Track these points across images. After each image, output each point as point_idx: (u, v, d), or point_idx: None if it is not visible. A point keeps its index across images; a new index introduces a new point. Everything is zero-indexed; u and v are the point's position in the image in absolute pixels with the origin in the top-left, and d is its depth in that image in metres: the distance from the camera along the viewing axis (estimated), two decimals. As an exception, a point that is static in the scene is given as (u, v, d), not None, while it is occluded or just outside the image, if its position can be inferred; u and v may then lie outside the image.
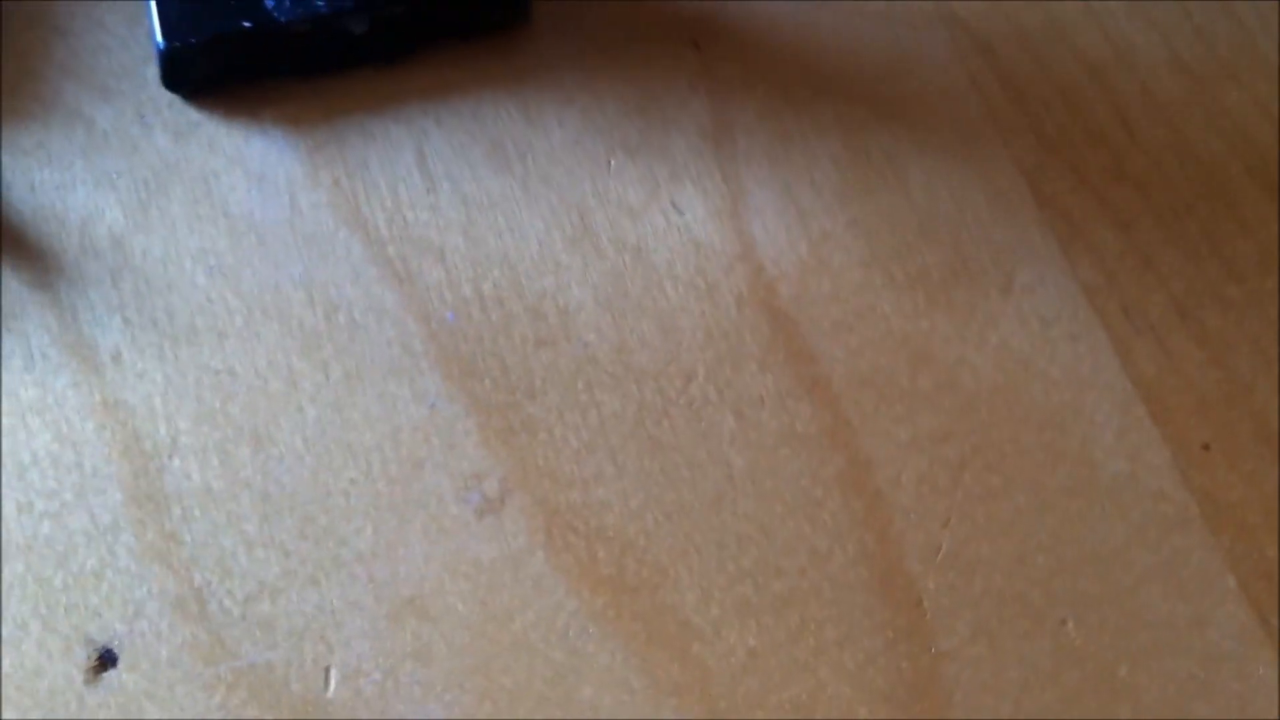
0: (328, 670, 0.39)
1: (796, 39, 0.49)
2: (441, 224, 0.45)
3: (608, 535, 0.40)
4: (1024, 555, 0.40)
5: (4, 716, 0.38)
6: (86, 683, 0.39)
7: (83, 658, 0.39)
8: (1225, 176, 0.45)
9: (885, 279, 0.43)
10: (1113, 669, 0.38)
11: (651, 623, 0.39)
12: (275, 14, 0.46)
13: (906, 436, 0.41)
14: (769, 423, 0.41)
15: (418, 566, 0.40)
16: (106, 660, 0.39)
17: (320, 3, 0.47)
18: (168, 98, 0.47)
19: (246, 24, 0.46)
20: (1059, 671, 0.38)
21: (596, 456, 0.41)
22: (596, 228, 0.45)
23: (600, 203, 0.45)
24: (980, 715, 0.38)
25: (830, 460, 0.41)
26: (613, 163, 0.46)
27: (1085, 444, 0.41)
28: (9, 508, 0.41)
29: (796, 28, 0.49)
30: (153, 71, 0.48)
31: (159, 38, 0.46)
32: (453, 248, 0.44)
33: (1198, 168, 0.45)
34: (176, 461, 0.41)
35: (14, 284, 0.44)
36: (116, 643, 0.39)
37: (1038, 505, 0.40)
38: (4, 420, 0.42)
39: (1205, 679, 0.38)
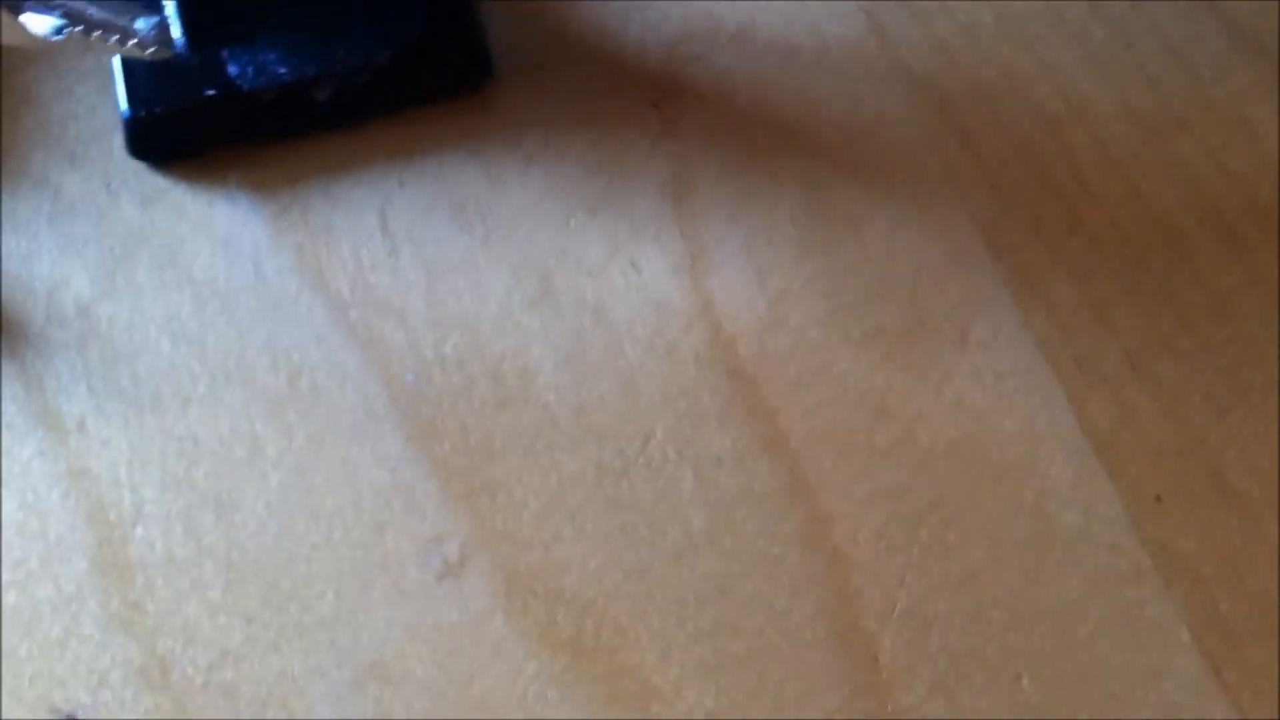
0: (289, 737, 0.39)
1: (757, 98, 0.49)
2: (403, 287, 0.45)
3: (567, 597, 0.40)
4: (980, 610, 0.40)
5: (-31, 787, 0.39)
6: (51, 752, 0.39)
7: (48, 727, 0.39)
8: (1178, 227, 0.46)
9: (842, 336, 0.44)
10: (1069, 723, 0.38)
11: (611, 684, 0.39)
12: (239, 82, 0.47)
13: (864, 492, 0.41)
14: (727, 481, 0.42)
15: (379, 631, 0.40)
16: (71, 729, 0.39)
17: (284, 70, 0.47)
18: (134, 165, 0.48)
19: (211, 92, 0.47)
20: (1016, 727, 0.38)
21: (556, 518, 0.41)
22: (557, 288, 0.45)
23: (560, 262, 0.46)
24: (937, 772, 0.38)
25: (789, 517, 0.41)
26: (573, 222, 0.46)
27: (1040, 497, 0.41)
28: (-25, 578, 0.41)
29: (757, 87, 0.50)
30: (120, 139, 0.48)
31: (124, 107, 0.47)
32: (414, 310, 0.45)
33: (1151, 219, 0.46)
34: (140, 530, 0.41)
35: (-19, 353, 0.44)
36: (81, 712, 0.39)
37: (993, 559, 0.40)
38: (-30, 490, 0.42)
39: (1161, 732, 0.38)
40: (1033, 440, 0.42)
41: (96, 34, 0.46)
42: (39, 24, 0.46)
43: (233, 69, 0.47)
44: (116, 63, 0.48)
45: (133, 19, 0.49)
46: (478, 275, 0.45)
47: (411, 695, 0.39)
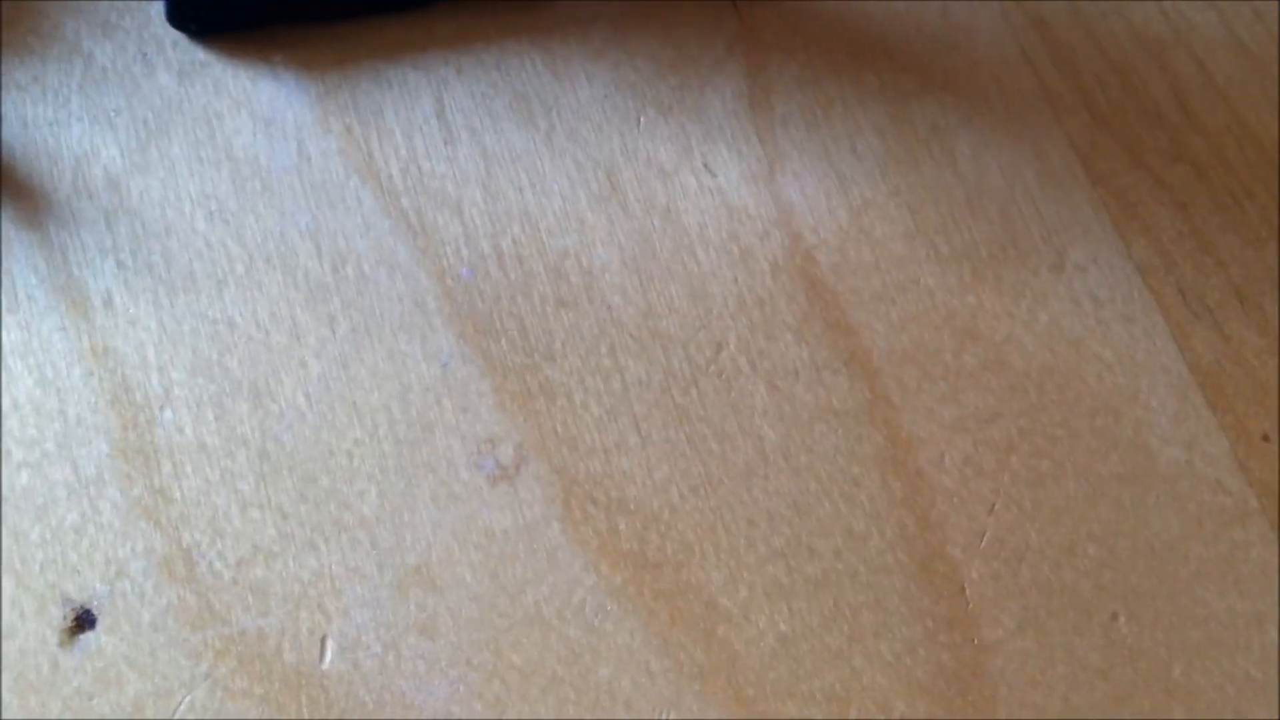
0: (324, 640, 0.36)
1: (840, 5, 0.46)
2: (460, 176, 0.42)
3: (629, 508, 0.37)
4: (1074, 544, 0.37)
5: (-29, 677, 0.35)
6: (61, 644, 0.36)
7: (59, 617, 0.36)
8: (1287, 160, 0.43)
9: (930, 252, 0.41)
10: (1166, 667, 0.36)
11: (675, 602, 0.36)
12: (291, -48, 0.44)
13: (950, 416, 0.39)
14: (804, 396, 0.39)
15: (425, 534, 0.37)
16: (84, 621, 0.36)
17: (338, -57, 0.44)
18: (173, 36, 0.45)
19: (260, -39, 0.44)
20: (1110, 668, 0.36)
21: (619, 424, 0.38)
22: (624, 187, 0.42)
23: (629, 161, 0.42)
24: (1027, 712, 0.35)
25: (869, 437, 0.38)
26: (643, 120, 0.43)
27: (1139, 430, 0.38)
28: (-15, 456, 0.38)
29: (837, -6, 0.47)
30: (158, 8, 0.45)
31: (166, -29, 0.44)
32: (471, 201, 0.42)
33: (1256, 150, 0.43)
34: (169, 414, 0.38)
35: (2, 221, 0.41)
36: (96, 603, 0.36)
37: (1089, 493, 0.38)
38: (-16, 362, 0.39)
39: (1263, 680, 0.35)
40: (1133, 371, 0.39)
41: None
42: None
43: (286, -63, 0.44)
44: (160, -76, 0.44)
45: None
46: (540, 169, 0.42)
47: (458, 602, 0.36)
